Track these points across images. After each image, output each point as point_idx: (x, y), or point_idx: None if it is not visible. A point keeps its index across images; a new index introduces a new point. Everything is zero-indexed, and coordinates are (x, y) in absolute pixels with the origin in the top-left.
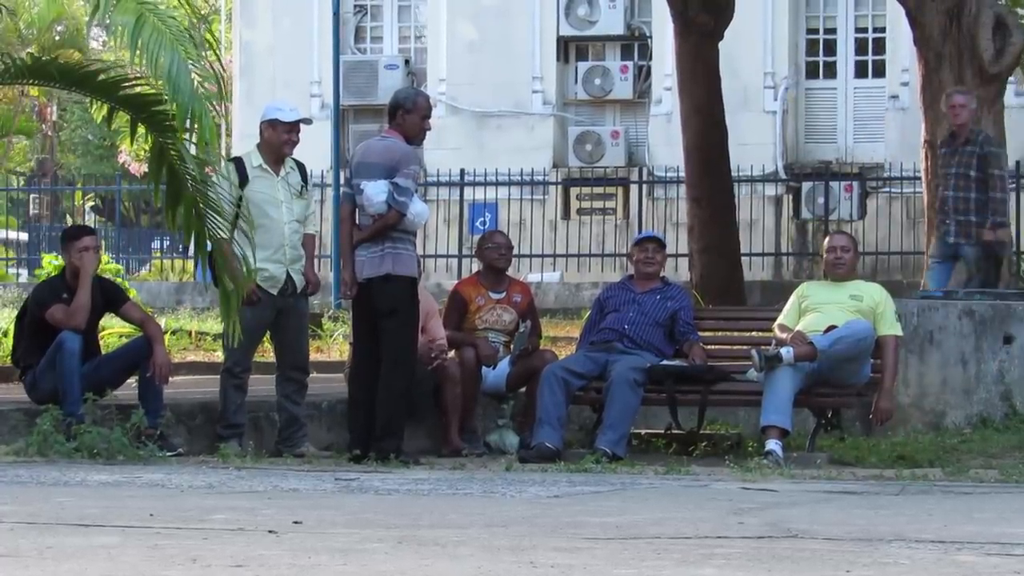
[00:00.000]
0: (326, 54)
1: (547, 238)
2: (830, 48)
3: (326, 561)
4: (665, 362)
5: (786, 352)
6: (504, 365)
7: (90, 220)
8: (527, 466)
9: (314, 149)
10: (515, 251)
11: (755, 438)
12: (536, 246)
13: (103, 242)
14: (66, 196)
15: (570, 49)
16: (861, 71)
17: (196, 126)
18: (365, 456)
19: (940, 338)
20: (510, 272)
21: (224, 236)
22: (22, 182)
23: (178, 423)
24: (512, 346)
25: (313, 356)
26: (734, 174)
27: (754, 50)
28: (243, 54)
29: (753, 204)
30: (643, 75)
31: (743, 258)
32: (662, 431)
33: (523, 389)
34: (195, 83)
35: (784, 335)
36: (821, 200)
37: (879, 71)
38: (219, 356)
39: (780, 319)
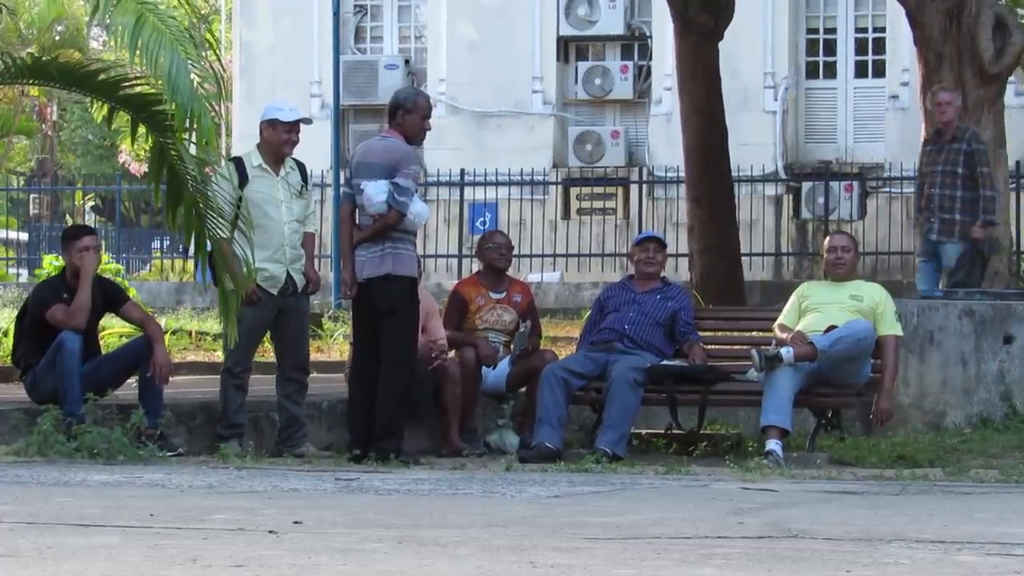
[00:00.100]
0: (326, 54)
1: (547, 238)
2: (830, 48)
3: (326, 561)
4: (665, 362)
5: (786, 352)
6: (504, 365)
7: (90, 220)
8: (527, 466)
9: (314, 149)
10: (515, 251)
11: (755, 438)
12: (536, 246)
13: (103, 242)
14: (66, 196)
15: (570, 49)
16: (861, 71)
17: (195, 126)
18: (365, 456)
19: (940, 338)
20: (510, 272)
21: (224, 236)
22: (22, 182)
23: (178, 423)
24: (512, 346)
25: (313, 356)
26: (734, 174)
27: (754, 50)
28: (243, 54)
29: (753, 204)
30: (643, 75)
31: (743, 258)
32: (662, 431)
33: (523, 389)
34: (195, 83)
35: (784, 335)
36: (821, 200)
37: (879, 71)
38: (219, 356)
39: (780, 319)
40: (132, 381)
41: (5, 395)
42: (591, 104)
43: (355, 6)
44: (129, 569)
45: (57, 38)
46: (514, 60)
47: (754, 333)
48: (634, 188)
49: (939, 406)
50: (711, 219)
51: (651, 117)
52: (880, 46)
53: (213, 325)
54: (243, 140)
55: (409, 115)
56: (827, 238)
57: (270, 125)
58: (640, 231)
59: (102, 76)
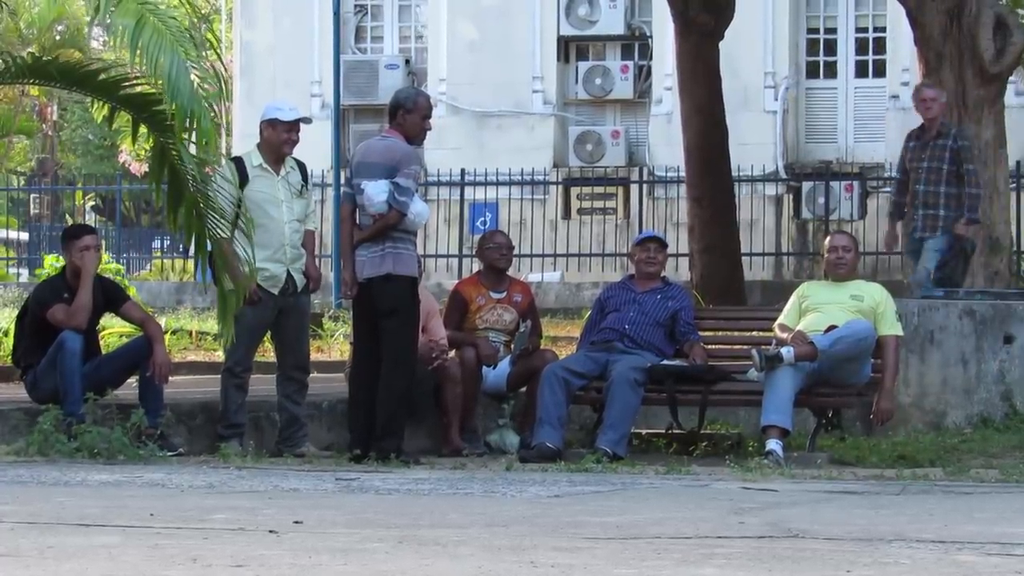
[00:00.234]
0: (326, 54)
1: (547, 238)
2: (830, 48)
3: (327, 561)
4: (666, 362)
5: (787, 352)
6: (504, 365)
7: (91, 220)
8: (527, 466)
9: (314, 149)
10: (515, 251)
11: (756, 438)
12: (536, 246)
13: (104, 242)
14: (67, 196)
15: (570, 49)
16: (861, 71)
17: (196, 127)
18: (365, 456)
19: (941, 338)
20: (511, 272)
21: (225, 236)
22: (23, 182)
23: (179, 423)
24: (512, 346)
25: (314, 356)
26: (734, 174)
27: (754, 50)
28: (243, 54)
29: (754, 204)
30: (643, 75)
31: (743, 258)
32: (663, 431)
33: (523, 389)
34: (195, 84)
35: (784, 335)
36: (821, 200)
37: (879, 71)
38: (219, 356)
39: (780, 319)
40: (132, 381)
41: (5, 395)
42: (591, 104)
43: (355, 6)
44: (129, 569)
45: (57, 38)
46: (514, 60)
47: (754, 333)
48: (634, 188)
49: (939, 406)
50: (711, 219)
51: (651, 117)
52: (880, 46)
53: (213, 325)
54: (243, 140)
55: (409, 115)
56: (828, 238)
57: (270, 125)
58: (640, 231)
59: (102, 76)
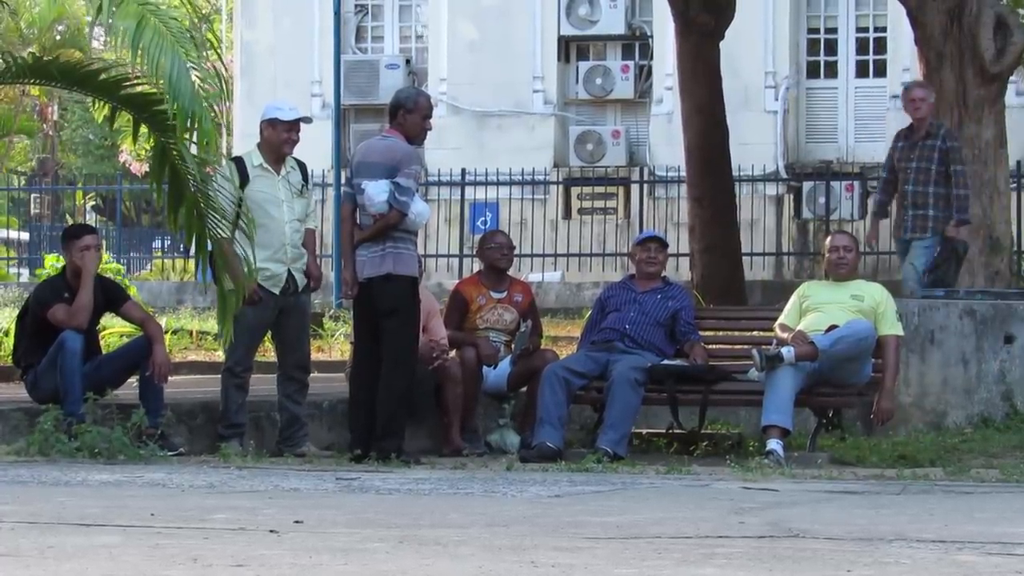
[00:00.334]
0: (327, 54)
1: (548, 238)
2: (831, 48)
3: (327, 561)
4: (666, 362)
5: (787, 352)
6: (505, 365)
7: (91, 220)
8: (528, 466)
9: (315, 149)
10: (516, 251)
11: (756, 438)
12: (537, 246)
13: (104, 241)
14: (67, 196)
15: (571, 49)
16: (862, 71)
17: (196, 128)
18: (366, 456)
19: (941, 338)
20: (511, 272)
21: (225, 236)
22: (23, 182)
23: (179, 423)
24: (513, 346)
25: (314, 356)
26: (735, 174)
27: (755, 50)
28: (244, 54)
29: (754, 204)
30: (644, 75)
31: (744, 258)
32: (663, 431)
33: (524, 389)
34: (195, 85)
35: (785, 335)
36: (822, 200)
37: (880, 71)
38: (220, 356)
39: (781, 319)
40: (132, 381)
41: (5, 395)
42: (592, 104)
43: (356, 6)
44: (130, 569)
45: (58, 38)
46: (515, 60)
47: (755, 333)
48: (635, 188)
49: (940, 406)
50: (712, 219)
51: (652, 117)
52: (881, 46)
53: (214, 325)
54: (244, 140)
55: (410, 115)
56: (828, 238)
57: (270, 124)
58: (641, 231)
59: (103, 76)
